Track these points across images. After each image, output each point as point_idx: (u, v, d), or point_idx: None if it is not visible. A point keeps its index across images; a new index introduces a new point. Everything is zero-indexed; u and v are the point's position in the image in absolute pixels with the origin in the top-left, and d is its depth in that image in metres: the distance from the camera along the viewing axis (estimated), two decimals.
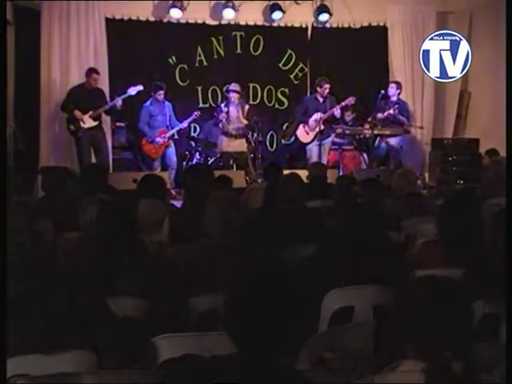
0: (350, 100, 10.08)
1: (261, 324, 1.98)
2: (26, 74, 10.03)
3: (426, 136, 11.20)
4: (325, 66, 11.02)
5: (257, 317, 1.99)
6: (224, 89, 10.18)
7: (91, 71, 9.65)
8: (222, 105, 10.08)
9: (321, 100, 10.15)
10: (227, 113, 9.90)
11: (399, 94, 10.42)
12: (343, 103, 10.09)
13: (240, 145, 10.00)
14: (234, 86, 10.02)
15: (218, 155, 10.12)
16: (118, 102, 9.56)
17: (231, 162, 9.89)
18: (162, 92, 9.95)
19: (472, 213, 3.87)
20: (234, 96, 9.95)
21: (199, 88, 11.10)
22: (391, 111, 10.06)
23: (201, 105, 11.05)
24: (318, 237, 4.09)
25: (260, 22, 11.14)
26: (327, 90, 10.08)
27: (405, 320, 2.13)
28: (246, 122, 10.02)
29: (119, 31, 10.54)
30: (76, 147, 9.65)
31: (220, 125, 10.01)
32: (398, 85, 10.46)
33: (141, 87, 9.75)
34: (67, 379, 2.34)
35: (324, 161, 9.81)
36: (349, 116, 10.70)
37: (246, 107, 10.12)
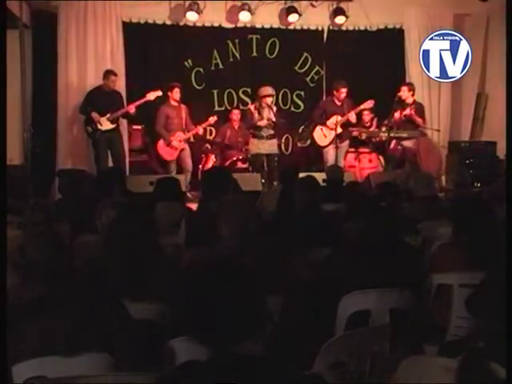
0: (369, 103, 10.05)
1: (276, 326, 1.98)
2: (43, 77, 10.10)
3: (443, 139, 11.17)
4: (341, 69, 11.01)
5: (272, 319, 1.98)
6: (259, 93, 9.78)
7: (109, 73, 9.69)
8: (252, 107, 9.87)
9: (338, 103, 10.09)
10: (261, 115, 9.72)
11: (413, 95, 10.28)
12: (362, 106, 10.06)
13: (271, 146, 9.94)
14: (268, 90, 9.75)
15: (235, 158, 10.09)
16: (132, 109, 9.58)
17: (264, 163, 9.77)
18: (177, 90, 9.91)
19: (489, 215, 3.85)
20: (269, 100, 9.75)
21: (215, 91, 11.12)
22: (407, 111, 9.98)
23: (216, 108, 11.07)
24: (334, 240, 4.08)
25: (276, 25, 11.13)
26: (344, 95, 10.00)
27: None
28: (276, 123, 9.84)
29: (136, 34, 10.59)
30: (93, 150, 9.70)
31: (251, 127, 9.83)
32: (411, 86, 10.34)
33: (160, 92, 9.74)
34: (84, 381, 2.35)
35: (341, 164, 9.75)
36: (368, 115, 10.63)
37: (275, 109, 10.00)
